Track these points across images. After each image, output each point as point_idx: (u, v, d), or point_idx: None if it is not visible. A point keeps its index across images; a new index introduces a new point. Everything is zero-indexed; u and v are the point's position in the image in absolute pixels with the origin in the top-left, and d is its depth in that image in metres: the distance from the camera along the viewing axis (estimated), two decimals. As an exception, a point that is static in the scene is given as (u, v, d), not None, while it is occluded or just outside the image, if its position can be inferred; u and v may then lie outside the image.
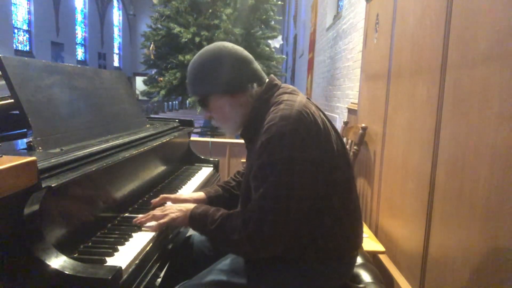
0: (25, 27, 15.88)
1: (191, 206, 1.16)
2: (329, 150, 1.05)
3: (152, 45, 5.37)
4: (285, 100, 1.06)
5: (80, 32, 20.15)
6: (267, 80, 1.17)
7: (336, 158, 1.07)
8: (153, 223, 1.18)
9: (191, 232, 1.49)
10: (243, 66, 1.12)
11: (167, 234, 1.23)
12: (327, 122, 1.11)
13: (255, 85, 1.13)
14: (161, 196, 1.36)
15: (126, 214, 1.31)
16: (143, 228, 1.18)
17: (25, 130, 1.14)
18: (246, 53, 1.16)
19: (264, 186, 0.98)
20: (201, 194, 1.41)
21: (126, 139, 1.40)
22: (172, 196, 1.39)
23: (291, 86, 1.17)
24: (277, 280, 1.08)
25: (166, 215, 1.17)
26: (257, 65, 1.17)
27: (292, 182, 0.97)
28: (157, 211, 1.20)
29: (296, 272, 1.07)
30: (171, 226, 1.21)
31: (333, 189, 1.06)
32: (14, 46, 15.04)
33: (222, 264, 1.18)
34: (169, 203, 1.32)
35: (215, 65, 1.11)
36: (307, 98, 1.13)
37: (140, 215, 1.21)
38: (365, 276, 1.28)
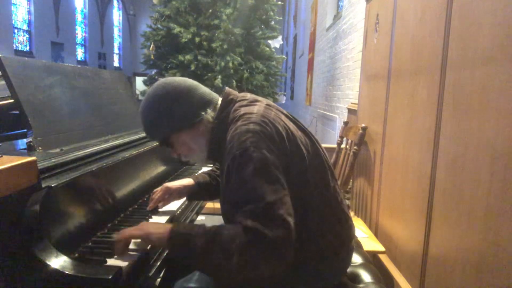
0: (25, 27, 15.88)
1: (167, 225, 1.01)
2: (297, 153, 1.03)
3: (152, 45, 5.37)
4: (242, 115, 1.03)
5: (80, 32, 20.15)
6: (219, 99, 1.14)
7: (306, 160, 1.05)
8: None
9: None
10: (189, 97, 1.09)
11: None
12: (291, 126, 1.08)
13: (208, 110, 1.10)
14: (153, 192, 1.36)
15: (127, 213, 1.31)
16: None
17: (25, 130, 1.14)
18: (189, 82, 1.12)
19: (252, 204, 0.91)
20: (190, 181, 1.40)
21: (126, 139, 1.41)
22: (159, 188, 1.36)
23: (248, 95, 1.14)
24: (274, 277, 1.08)
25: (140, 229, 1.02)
26: (203, 89, 1.13)
27: (276, 188, 0.93)
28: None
29: (293, 270, 1.07)
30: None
31: (308, 190, 1.04)
32: (14, 46, 15.04)
33: None
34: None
35: (163, 106, 1.07)
36: (267, 104, 1.09)
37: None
38: (365, 276, 1.29)
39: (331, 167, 1.16)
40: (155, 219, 1.29)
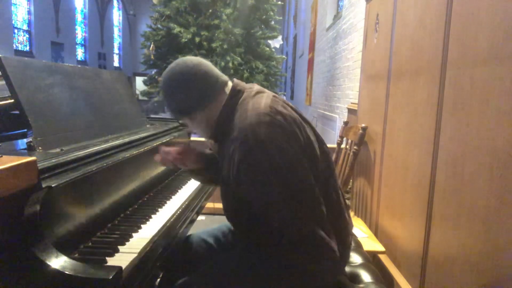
0: (25, 27, 15.88)
1: None
2: (308, 141, 1.06)
3: (152, 45, 5.38)
4: (251, 106, 1.04)
5: (80, 32, 20.15)
6: (227, 86, 1.14)
7: (315, 149, 1.08)
8: None
9: (193, 229, 1.50)
10: (191, 89, 1.10)
11: (168, 233, 1.23)
12: (297, 116, 1.10)
13: (209, 105, 1.11)
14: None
15: (127, 213, 1.31)
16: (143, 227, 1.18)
17: (25, 130, 1.14)
18: (195, 69, 1.10)
19: (274, 206, 0.97)
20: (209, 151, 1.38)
21: (126, 139, 1.40)
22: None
23: (256, 87, 1.16)
24: (272, 276, 1.08)
25: None
26: (210, 75, 1.11)
27: (297, 182, 0.97)
28: None
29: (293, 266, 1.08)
30: None
31: (317, 180, 1.06)
32: (14, 46, 15.04)
33: (219, 262, 1.18)
34: None
35: (167, 93, 1.13)
36: (273, 96, 1.11)
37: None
38: (365, 276, 1.29)
39: (332, 160, 1.19)
40: (154, 219, 1.29)
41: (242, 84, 1.17)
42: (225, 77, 1.16)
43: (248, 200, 1.02)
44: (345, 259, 1.21)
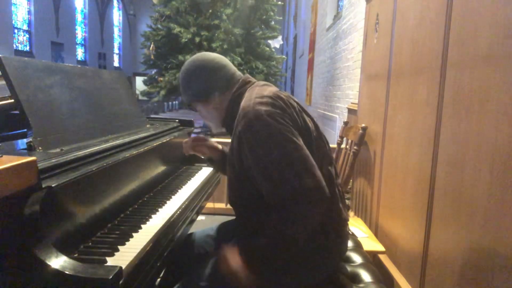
0: (25, 27, 15.89)
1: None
2: (305, 126, 1.12)
3: (152, 45, 5.38)
4: (256, 92, 1.13)
5: (80, 32, 20.17)
6: (240, 77, 1.27)
7: (312, 135, 1.13)
8: None
9: (192, 229, 1.50)
10: (206, 77, 1.23)
11: (168, 233, 1.23)
12: (299, 108, 1.16)
13: (222, 91, 1.23)
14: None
15: (127, 213, 1.31)
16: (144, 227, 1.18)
17: (25, 130, 1.14)
18: (214, 62, 1.24)
19: (277, 172, 0.99)
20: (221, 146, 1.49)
21: (126, 139, 1.40)
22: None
23: (262, 82, 1.27)
24: (271, 269, 1.08)
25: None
26: (228, 68, 1.26)
27: (294, 148, 1.01)
28: None
29: (294, 257, 1.08)
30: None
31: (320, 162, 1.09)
32: (14, 46, 15.06)
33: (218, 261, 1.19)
34: None
35: (187, 78, 1.26)
36: (277, 90, 1.19)
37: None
38: (365, 276, 1.29)
39: (329, 152, 1.22)
40: (155, 219, 1.29)
41: (251, 78, 1.29)
42: (240, 73, 1.29)
43: (247, 168, 1.07)
44: (343, 250, 1.21)
